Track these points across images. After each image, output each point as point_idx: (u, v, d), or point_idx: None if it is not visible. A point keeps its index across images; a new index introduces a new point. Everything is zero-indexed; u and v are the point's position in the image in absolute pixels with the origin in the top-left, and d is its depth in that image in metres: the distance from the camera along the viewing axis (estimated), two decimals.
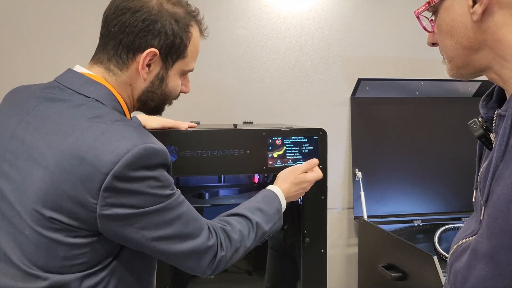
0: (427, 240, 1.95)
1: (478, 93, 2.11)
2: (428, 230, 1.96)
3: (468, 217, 1.99)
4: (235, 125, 1.38)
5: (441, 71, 0.83)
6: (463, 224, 1.93)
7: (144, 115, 1.33)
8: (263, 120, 2.00)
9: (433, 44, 0.81)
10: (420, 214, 2.05)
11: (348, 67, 2.09)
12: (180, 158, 1.26)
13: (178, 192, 0.92)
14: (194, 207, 0.96)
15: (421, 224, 1.99)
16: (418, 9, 0.79)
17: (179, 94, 1.06)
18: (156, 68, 0.95)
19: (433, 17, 0.79)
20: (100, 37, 0.95)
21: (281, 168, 1.31)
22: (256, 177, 1.63)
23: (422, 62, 2.15)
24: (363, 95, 2.05)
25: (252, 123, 1.69)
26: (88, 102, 0.88)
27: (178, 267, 0.96)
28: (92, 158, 0.79)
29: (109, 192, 0.80)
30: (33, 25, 1.82)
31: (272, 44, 2.02)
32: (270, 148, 1.31)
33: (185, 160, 1.26)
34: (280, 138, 1.32)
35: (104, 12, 0.94)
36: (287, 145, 1.32)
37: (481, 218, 0.71)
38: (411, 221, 2.01)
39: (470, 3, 0.70)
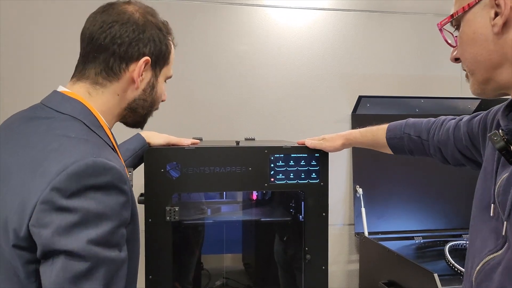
0: (428, 257, 1.94)
1: (477, 111, 2.12)
2: (429, 247, 1.96)
3: (467, 233, 2.00)
4: (237, 142, 1.39)
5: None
6: (464, 240, 1.95)
7: (147, 132, 1.35)
8: (264, 136, 2.01)
9: (456, 60, 0.80)
10: (421, 231, 2.06)
11: (349, 84, 2.11)
12: (183, 174, 1.27)
13: (124, 253, 0.80)
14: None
15: (422, 241, 1.99)
16: (441, 22, 0.79)
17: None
18: (147, 76, 0.98)
19: (456, 32, 0.78)
20: (83, 55, 0.94)
21: (283, 186, 1.31)
22: (255, 194, 1.64)
23: (422, 80, 2.17)
24: (364, 112, 2.07)
25: (254, 139, 1.70)
26: (60, 118, 0.87)
27: None
28: (41, 170, 0.76)
29: (44, 204, 0.73)
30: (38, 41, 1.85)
31: (273, 61, 2.05)
32: (272, 165, 1.32)
33: (188, 177, 1.27)
34: (282, 155, 1.33)
35: (86, 30, 0.94)
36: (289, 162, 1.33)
37: (503, 234, 0.70)
38: (412, 237, 2.01)
39: (492, 15, 0.71)
